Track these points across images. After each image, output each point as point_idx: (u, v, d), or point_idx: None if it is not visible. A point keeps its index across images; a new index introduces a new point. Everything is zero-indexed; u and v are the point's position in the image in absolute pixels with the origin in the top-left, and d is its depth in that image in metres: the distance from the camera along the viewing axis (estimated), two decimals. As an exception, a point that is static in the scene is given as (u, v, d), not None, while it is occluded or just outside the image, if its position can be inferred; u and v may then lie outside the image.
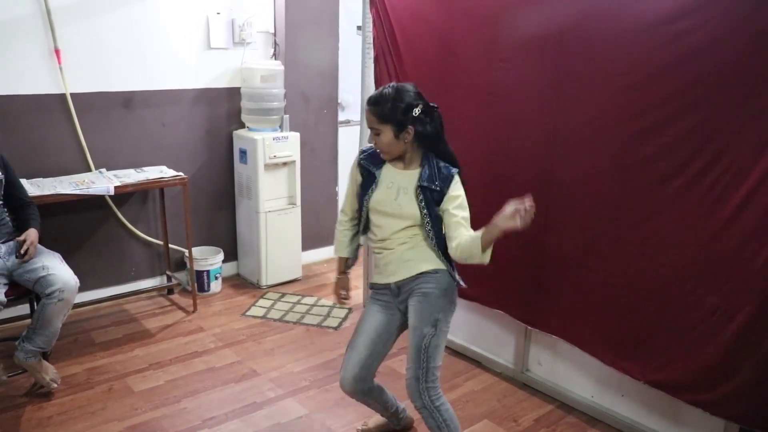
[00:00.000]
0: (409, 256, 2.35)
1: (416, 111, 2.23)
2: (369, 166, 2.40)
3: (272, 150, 4.32)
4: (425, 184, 2.28)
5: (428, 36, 3.26)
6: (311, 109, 4.81)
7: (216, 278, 4.42)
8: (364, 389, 2.50)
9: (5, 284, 2.96)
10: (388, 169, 2.37)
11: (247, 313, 4.12)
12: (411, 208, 2.31)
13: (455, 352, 3.58)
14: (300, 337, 3.80)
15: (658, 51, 2.36)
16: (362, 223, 2.47)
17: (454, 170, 2.31)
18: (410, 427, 2.86)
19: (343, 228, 2.60)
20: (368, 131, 2.37)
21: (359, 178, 2.45)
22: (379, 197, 2.36)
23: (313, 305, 4.26)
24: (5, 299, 2.89)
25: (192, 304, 4.14)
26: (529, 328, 3.17)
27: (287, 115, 4.49)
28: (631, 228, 2.58)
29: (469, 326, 3.51)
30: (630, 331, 2.65)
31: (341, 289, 2.65)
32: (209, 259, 4.36)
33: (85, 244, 4.04)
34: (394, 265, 2.38)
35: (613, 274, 2.67)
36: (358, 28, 3.80)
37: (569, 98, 2.72)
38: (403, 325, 2.46)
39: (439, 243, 2.33)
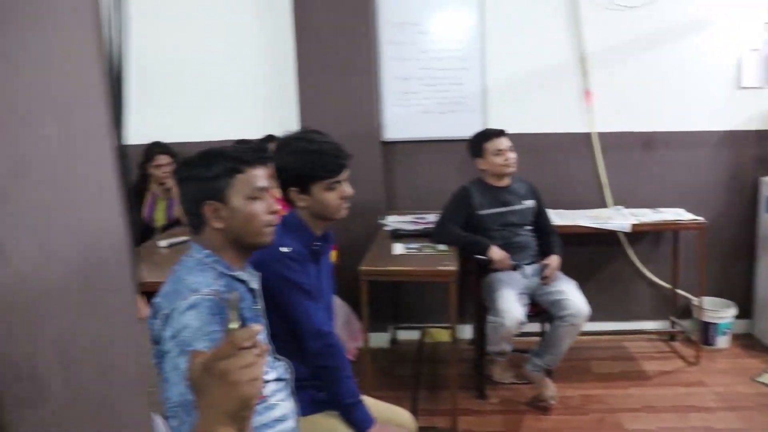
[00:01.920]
0: None
1: None
2: None
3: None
4: None
5: None
6: None
7: (724, 333, 4.07)
8: None
9: (528, 303, 3.30)
10: None
11: (758, 379, 3.66)
12: None
13: None
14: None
15: None
16: None
17: None
18: None
19: None
20: None
21: None
22: None
23: None
24: (526, 319, 3.20)
25: (694, 355, 3.91)
26: None
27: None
28: None
29: None
30: None
31: None
32: (720, 311, 4.05)
33: (593, 276, 4.22)
34: None
35: None
36: None
37: None
38: None
39: None
